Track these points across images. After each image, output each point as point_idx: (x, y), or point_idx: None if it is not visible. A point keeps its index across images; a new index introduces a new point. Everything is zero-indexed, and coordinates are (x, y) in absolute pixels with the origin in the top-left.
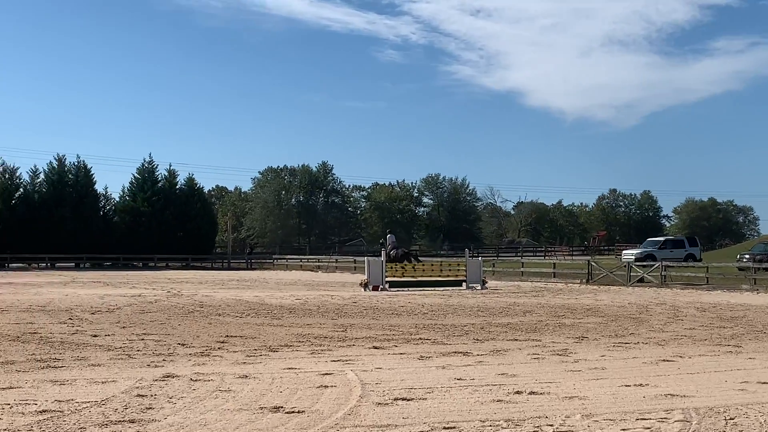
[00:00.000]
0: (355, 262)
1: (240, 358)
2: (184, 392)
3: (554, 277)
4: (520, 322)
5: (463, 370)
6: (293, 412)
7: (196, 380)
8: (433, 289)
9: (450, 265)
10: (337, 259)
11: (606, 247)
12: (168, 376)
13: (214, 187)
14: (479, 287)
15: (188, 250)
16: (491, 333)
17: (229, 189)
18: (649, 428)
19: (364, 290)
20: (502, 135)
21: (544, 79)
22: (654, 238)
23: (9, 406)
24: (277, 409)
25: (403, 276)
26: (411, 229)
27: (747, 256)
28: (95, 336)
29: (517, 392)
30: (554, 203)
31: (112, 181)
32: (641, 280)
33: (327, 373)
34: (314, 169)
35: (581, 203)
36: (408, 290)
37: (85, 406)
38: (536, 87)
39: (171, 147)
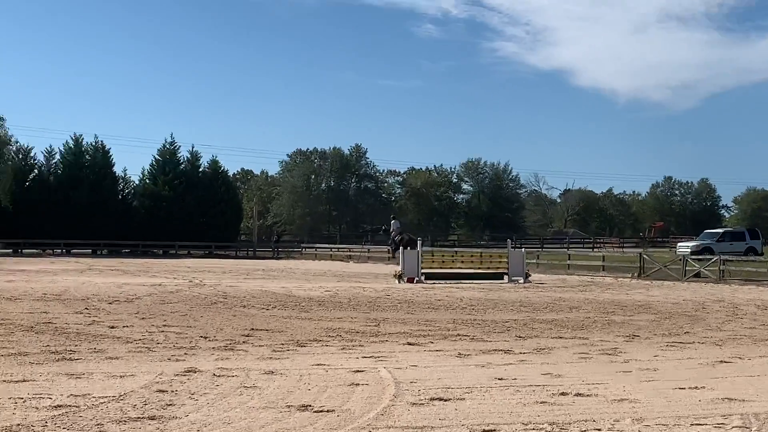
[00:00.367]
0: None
1: (266, 352)
2: (206, 388)
3: (603, 270)
4: (566, 319)
5: (504, 369)
6: (322, 411)
7: (219, 375)
8: (472, 281)
9: (491, 256)
10: (369, 249)
11: (660, 240)
12: (190, 371)
13: (240, 170)
14: (522, 281)
15: (211, 238)
16: (535, 330)
17: (255, 173)
18: None
19: (399, 282)
20: (549, 117)
21: (594, 57)
22: (712, 230)
23: (22, 400)
24: (305, 407)
25: (441, 267)
26: (449, 217)
27: None
28: (113, 327)
29: (563, 393)
30: (604, 191)
31: (132, 163)
32: (698, 275)
33: (358, 371)
34: (346, 152)
35: (633, 191)
36: (445, 283)
37: (102, 401)
38: (586, 66)
39: (194, 128)
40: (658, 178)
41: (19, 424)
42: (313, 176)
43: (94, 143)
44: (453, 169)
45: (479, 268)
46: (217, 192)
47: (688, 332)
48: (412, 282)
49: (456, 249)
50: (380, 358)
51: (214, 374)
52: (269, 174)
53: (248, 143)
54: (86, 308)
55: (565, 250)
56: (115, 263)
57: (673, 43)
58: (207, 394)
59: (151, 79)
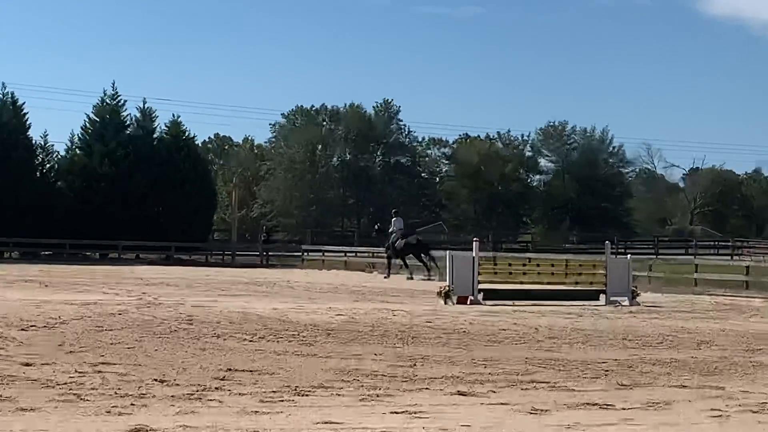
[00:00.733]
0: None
1: (250, 404)
2: None
3: (747, 288)
4: (692, 359)
5: None
6: None
7: None
8: (552, 303)
9: (580, 266)
10: None
11: None
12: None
13: (213, 136)
14: (626, 302)
15: (171, 235)
16: (645, 375)
17: (236, 140)
18: None
19: (445, 303)
20: (666, 62)
21: None
22: None
23: None
24: None
25: (507, 282)
26: (520, 207)
27: None
28: (27, 365)
29: None
30: (749, 171)
31: (56, 125)
32: None
33: None
34: (369, 111)
35: None
36: (513, 304)
37: None
38: None
39: (146, 74)
40: None
41: None
42: (320, 146)
43: (0, 96)
44: (526, 137)
45: (563, 284)
46: (180, 168)
47: None
48: (465, 303)
49: (529, 255)
50: (417, 415)
51: None
52: (256, 142)
53: (226, 97)
54: None
55: (691, 257)
56: (32, 271)
57: None
58: None
59: (83, 10)
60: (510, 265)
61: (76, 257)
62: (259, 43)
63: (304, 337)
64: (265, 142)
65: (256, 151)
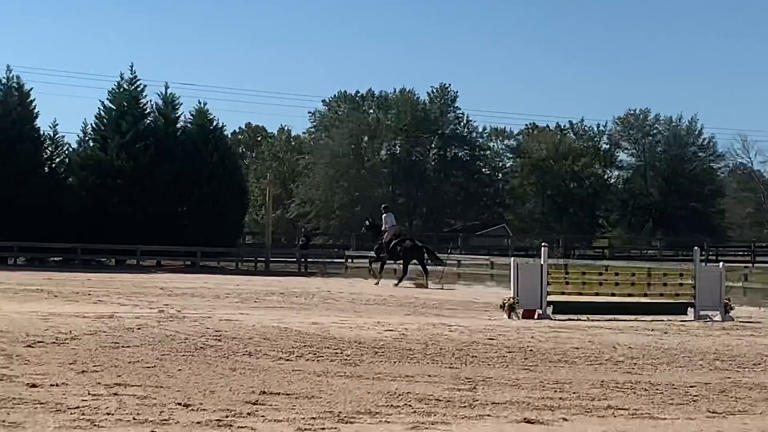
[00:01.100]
0: (492, 265)
1: (286, 431)
2: None
3: None
4: None
5: None
6: None
7: None
8: (633, 317)
9: (665, 275)
10: (459, 261)
11: None
12: None
13: (244, 126)
14: (718, 317)
15: (196, 238)
16: (739, 401)
17: (270, 131)
18: None
19: (509, 317)
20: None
21: None
22: None
23: None
24: None
25: (581, 293)
26: (596, 208)
27: None
28: (34, 386)
29: None
30: None
31: (67, 113)
32: None
33: None
34: (423, 98)
35: None
36: (587, 319)
37: None
38: None
39: (167, 55)
40: None
41: None
42: (366, 137)
43: (4, 81)
44: (602, 128)
45: (645, 296)
46: (206, 162)
47: None
48: (532, 317)
49: (606, 263)
50: None
51: None
52: (293, 133)
53: (259, 82)
54: None
55: None
56: (38, 279)
57: None
58: None
59: None
60: (584, 274)
61: (89, 264)
62: (296, 22)
63: (348, 355)
64: (304, 133)
65: (293, 142)
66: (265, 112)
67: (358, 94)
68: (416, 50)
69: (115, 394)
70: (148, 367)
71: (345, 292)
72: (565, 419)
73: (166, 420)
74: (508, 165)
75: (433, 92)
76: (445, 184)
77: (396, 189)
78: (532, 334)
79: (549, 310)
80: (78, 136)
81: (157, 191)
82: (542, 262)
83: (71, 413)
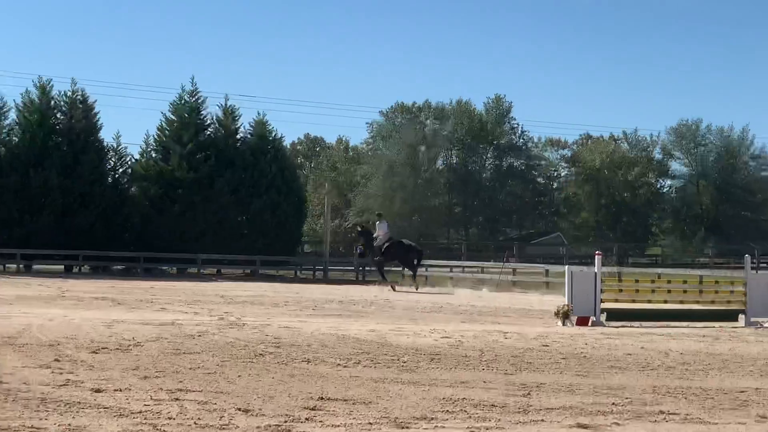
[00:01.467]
0: (547, 273)
1: None
2: None
3: None
4: None
5: None
6: None
7: None
8: (685, 324)
9: (717, 282)
10: (515, 269)
11: None
12: None
13: (302, 137)
14: None
15: (256, 247)
16: None
17: (328, 141)
18: None
19: (563, 324)
20: None
21: None
22: None
23: None
24: None
25: (633, 301)
26: (649, 217)
27: None
28: (98, 391)
29: None
30: None
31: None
32: None
33: None
34: (479, 108)
35: None
36: (640, 326)
37: None
38: None
39: (227, 68)
40: None
41: None
42: (423, 148)
43: (69, 93)
44: (655, 138)
45: (697, 303)
46: (266, 173)
47: None
48: (586, 324)
49: (658, 270)
50: None
51: None
52: (351, 144)
53: (317, 94)
54: (56, 359)
55: None
56: (103, 287)
57: None
58: None
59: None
60: (637, 281)
61: (151, 272)
62: (353, 35)
63: (404, 362)
64: (362, 143)
65: (351, 153)
66: (324, 123)
67: (415, 105)
68: (472, 61)
69: (177, 399)
70: (209, 373)
71: (402, 300)
72: (618, 424)
73: (226, 425)
74: (562, 174)
75: (488, 103)
76: (500, 194)
77: (453, 199)
78: (585, 341)
79: (603, 317)
80: (140, 147)
81: (217, 201)
82: (596, 270)
83: (134, 418)
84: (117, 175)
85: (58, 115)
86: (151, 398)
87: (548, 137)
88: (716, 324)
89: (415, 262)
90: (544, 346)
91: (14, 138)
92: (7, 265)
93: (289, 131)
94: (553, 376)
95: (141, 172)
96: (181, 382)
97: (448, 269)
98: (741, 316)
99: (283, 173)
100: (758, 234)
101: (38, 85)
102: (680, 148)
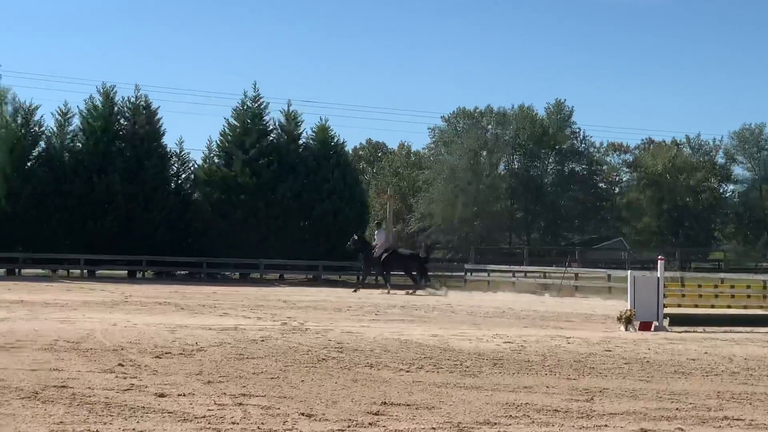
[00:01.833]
0: (609, 278)
1: None
2: None
3: None
4: None
5: None
6: None
7: None
8: (749, 329)
9: None
10: (577, 274)
11: None
12: None
13: (364, 142)
14: None
15: (318, 252)
16: None
17: (390, 146)
18: None
19: (626, 329)
20: None
21: None
22: None
23: None
24: None
25: (696, 306)
26: (711, 222)
27: None
28: (162, 396)
29: None
30: None
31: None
32: None
33: None
34: (540, 113)
35: None
36: (703, 331)
37: None
38: None
39: (289, 73)
40: None
41: None
42: (484, 152)
43: (133, 99)
44: (718, 143)
45: (761, 308)
46: (328, 178)
47: None
48: (648, 329)
49: (722, 275)
50: None
51: None
52: (413, 149)
53: (379, 99)
54: (120, 364)
55: None
56: (166, 292)
57: None
58: None
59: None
60: (699, 286)
61: (214, 277)
62: (416, 40)
63: (467, 367)
64: (423, 149)
65: (413, 158)
66: (386, 128)
67: (477, 110)
68: (532, 66)
69: (240, 404)
70: (272, 378)
71: (464, 304)
72: (682, 429)
73: (289, 429)
74: (624, 179)
75: (549, 108)
76: (562, 199)
77: (514, 203)
78: (648, 346)
79: (665, 322)
80: (203, 152)
81: (279, 206)
82: (659, 275)
83: (198, 422)
84: (180, 181)
85: (122, 121)
86: (215, 403)
87: (610, 142)
88: None
89: (417, 270)
90: (606, 351)
91: (78, 144)
92: (71, 271)
93: (351, 136)
94: (616, 381)
95: (204, 177)
96: (244, 386)
97: (510, 274)
98: None
99: (345, 178)
100: None
101: (102, 91)
102: (743, 152)
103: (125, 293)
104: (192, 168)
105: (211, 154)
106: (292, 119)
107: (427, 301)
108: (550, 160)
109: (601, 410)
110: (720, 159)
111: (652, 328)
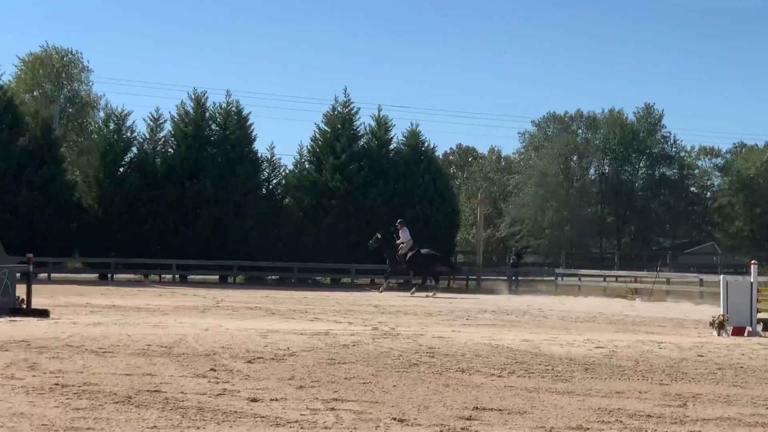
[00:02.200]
0: (701, 283)
1: None
2: None
3: None
4: None
5: None
6: None
7: None
8: None
9: None
10: (668, 278)
11: None
12: None
13: (455, 147)
14: None
15: None
16: None
17: (480, 151)
18: None
19: (718, 334)
20: None
21: None
22: None
23: None
24: None
25: None
26: None
27: None
28: (254, 400)
29: None
30: None
31: (283, 135)
32: None
33: None
34: (630, 117)
35: None
36: None
37: None
38: None
39: (379, 79)
40: None
41: None
42: (575, 157)
43: (224, 105)
44: None
45: None
46: (418, 183)
47: None
48: (742, 335)
49: None
50: None
51: None
52: (503, 153)
53: (469, 104)
54: (212, 369)
55: None
56: (257, 297)
57: None
58: None
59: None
60: None
61: (305, 282)
62: (506, 46)
63: (559, 372)
64: (513, 153)
65: (503, 162)
66: (476, 133)
67: (567, 115)
68: (623, 70)
69: (332, 408)
70: (364, 383)
71: (555, 309)
72: None
73: None
74: (716, 183)
75: (638, 112)
76: (653, 203)
77: (605, 208)
78: (742, 351)
79: (759, 327)
80: (294, 158)
81: (370, 211)
82: (752, 280)
83: (290, 427)
84: (271, 186)
85: (213, 127)
86: (307, 408)
87: (701, 146)
88: None
89: (437, 269)
90: (699, 356)
91: (170, 150)
92: (163, 276)
93: (441, 141)
94: (709, 386)
95: (294, 182)
96: (336, 391)
97: (601, 278)
98: None
99: (435, 183)
100: None
101: (193, 96)
102: None
103: (217, 298)
104: (283, 173)
105: (302, 160)
106: (383, 124)
107: (518, 305)
108: (641, 164)
109: (694, 416)
110: None
111: (746, 333)
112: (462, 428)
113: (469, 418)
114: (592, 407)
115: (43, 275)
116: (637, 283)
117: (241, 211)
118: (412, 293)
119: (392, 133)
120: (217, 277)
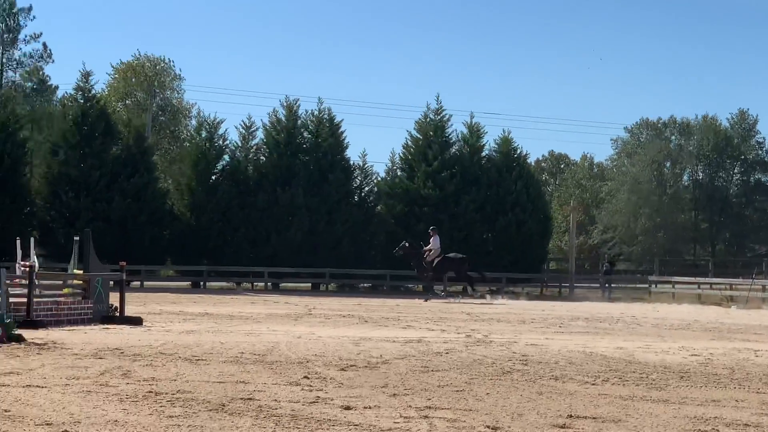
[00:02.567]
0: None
1: None
2: None
3: None
4: None
5: None
6: None
7: None
8: None
9: None
10: (764, 286)
11: None
12: None
13: (547, 154)
14: None
15: (501, 265)
16: None
17: (573, 158)
18: None
19: None
20: None
21: None
22: None
23: None
24: None
25: None
26: None
27: None
28: (348, 408)
29: None
30: None
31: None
32: None
33: None
34: (723, 122)
35: None
36: None
37: None
38: None
39: (471, 85)
40: None
41: None
42: (668, 163)
43: (316, 112)
44: None
45: None
46: (511, 190)
47: None
48: None
49: None
50: None
51: None
52: (595, 160)
53: (561, 110)
54: (306, 377)
55: None
56: (349, 305)
57: None
58: None
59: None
60: None
61: (397, 290)
62: (596, 52)
63: (653, 380)
64: (606, 160)
65: (595, 169)
66: (568, 140)
67: (660, 121)
68: (716, 76)
69: (426, 416)
70: (457, 391)
71: (649, 317)
72: None
73: None
74: None
75: (732, 118)
76: (747, 210)
77: (699, 215)
78: None
79: None
80: (386, 165)
81: (462, 218)
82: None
83: None
84: (363, 193)
85: (305, 134)
86: (401, 416)
87: None
88: None
89: (466, 273)
90: None
91: (262, 157)
92: (255, 283)
93: (533, 148)
94: None
95: (387, 190)
96: (429, 399)
97: (696, 286)
98: None
99: (528, 190)
100: None
101: (285, 104)
102: None
103: (309, 306)
104: (375, 181)
105: (394, 167)
106: (475, 131)
107: (611, 313)
108: (735, 170)
109: None
110: None
111: None
112: None
113: (563, 426)
114: (688, 416)
115: (135, 283)
116: (732, 290)
117: (333, 218)
118: (427, 300)
119: (484, 140)
120: (309, 284)
